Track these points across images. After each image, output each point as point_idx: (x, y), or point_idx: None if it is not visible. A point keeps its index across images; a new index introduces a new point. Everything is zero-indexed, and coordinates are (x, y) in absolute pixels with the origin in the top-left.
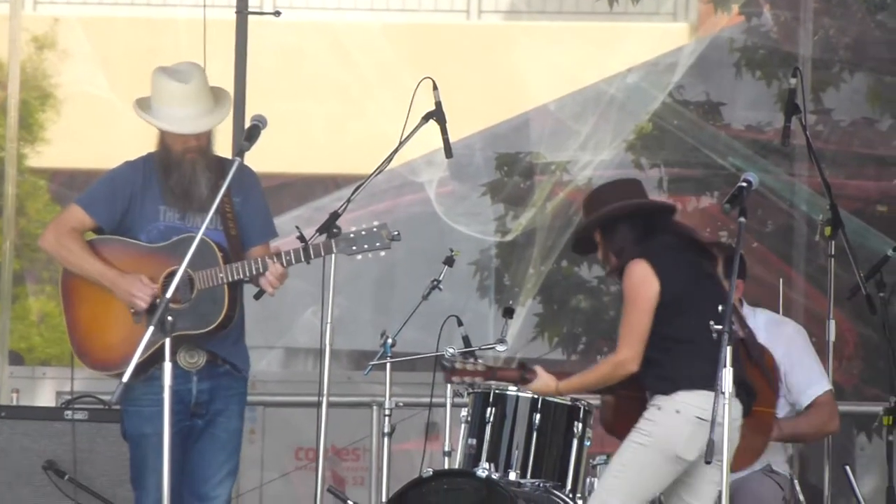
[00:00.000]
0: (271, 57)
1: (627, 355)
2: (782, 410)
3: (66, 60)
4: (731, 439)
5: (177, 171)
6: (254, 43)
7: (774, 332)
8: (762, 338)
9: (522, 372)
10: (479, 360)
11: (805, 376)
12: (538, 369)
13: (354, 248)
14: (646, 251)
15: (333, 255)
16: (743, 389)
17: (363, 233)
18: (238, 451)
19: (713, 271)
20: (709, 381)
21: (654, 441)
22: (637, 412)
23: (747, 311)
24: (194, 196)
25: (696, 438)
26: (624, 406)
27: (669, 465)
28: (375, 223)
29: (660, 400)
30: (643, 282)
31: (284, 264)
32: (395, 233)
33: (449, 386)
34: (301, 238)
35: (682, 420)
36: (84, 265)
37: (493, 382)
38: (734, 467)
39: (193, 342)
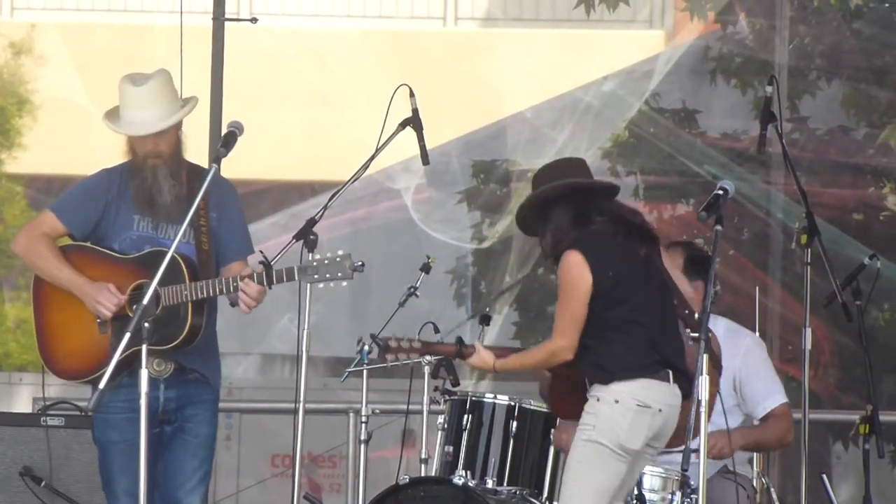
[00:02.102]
0: (248, 63)
1: (562, 344)
2: (736, 420)
3: (43, 66)
4: (669, 425)
5: (139, 176)
6: (231, 49)
7: (732, 342)
8: (721, 344)
9: (460, 347)
10: (416, 338)
11: (761, 388)
12: (477, 344)
13: (317, 276)
14: (580, 241)
15: (306, 282)
16: (682, 375)
17: (326, 262)
18: (210, 458)
19: (653, 256)
20: (645, 369)
21: (598, 434)
22: (573, 389)
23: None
24: (157, 203)
25: (639, 426)
26: (560, 384)
27: (618, 457)
28: (340, 252)
29: (598, 390)
30: (576, 273)
31: (255, 283)
32: (359, 263)
33: (426, 393)
34: (264, 263)
35: (622, 409)
36: (53, 271)
37: (472, 390)
38: (669, 445)
39: (162, 352)
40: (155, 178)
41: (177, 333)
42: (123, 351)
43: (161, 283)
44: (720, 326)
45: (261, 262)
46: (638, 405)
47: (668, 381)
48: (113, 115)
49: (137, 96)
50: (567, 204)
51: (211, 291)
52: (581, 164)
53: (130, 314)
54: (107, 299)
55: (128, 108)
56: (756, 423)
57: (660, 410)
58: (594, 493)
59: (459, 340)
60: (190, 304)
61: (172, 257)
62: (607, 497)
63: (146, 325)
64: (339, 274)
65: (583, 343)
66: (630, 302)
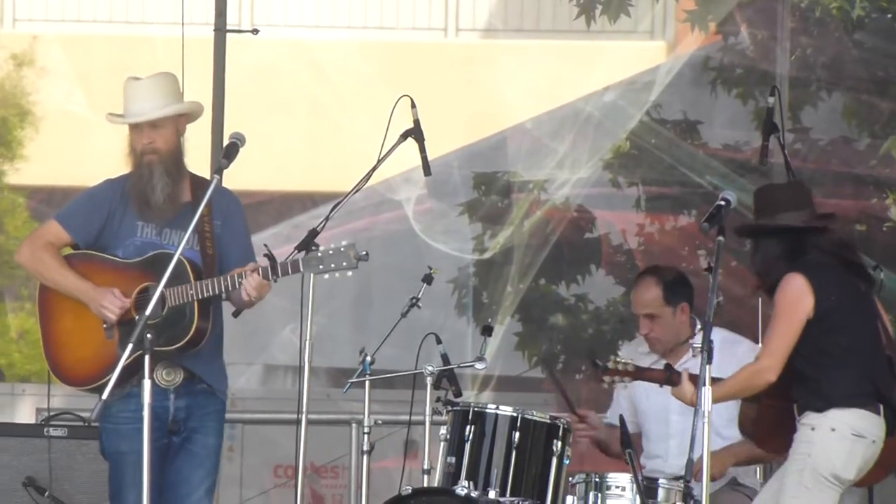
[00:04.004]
0: (249, 75)
1: (768, 364)
2: (735, 430)
3: (45, 77)
4: (871, 457)
5: (136, 173)
6: (232, 61)
7: (727, 351)
8: (715, 356)
9: (668, 374)
10: (630, 361)
11: None
12: (684, 377)
13: (321, 266)
14: (804, 266)
15: (311, 273)
16: (890, 410)
17: (331, 252)
18: (216, 469)
19: (870, 294)
20: (862, 399)
21: (813, 462)
22: (779, 421)
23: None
24: (151, 201)
25: (854, 456)
26: (766, 415)
27: (831, 486)
28: (344, 242)
29: (812, 419)
30: (797, 295)
31: (260, 276)
32: (364, 253)
33: (428, 404)
34: (269, 256)
35: (838, 437)
36: (58, 278)
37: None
38: (864, 481)
39: (170, 360)
40: (150, 175)
41: (183, 335)
42: (128, 357)
43: (167, 285)
44: (716, 337)
45: (265, 255)
46: (853, 434)
47: (879, 413)
48: (117, 116)
49: (138, 89)
50: (777, 240)
51: (216, 289)
52: (800, 193)
53: (137, 317)
54: (112, 303)
55: (128, 102)
56: None
57: (873, 441)
58: None
59: (668, 367)
60: (196, 307)
61: (179, 260)
62: None
63: (149, 336)
64: (345, 263)
65: (799, 370)
66: (848, 331)
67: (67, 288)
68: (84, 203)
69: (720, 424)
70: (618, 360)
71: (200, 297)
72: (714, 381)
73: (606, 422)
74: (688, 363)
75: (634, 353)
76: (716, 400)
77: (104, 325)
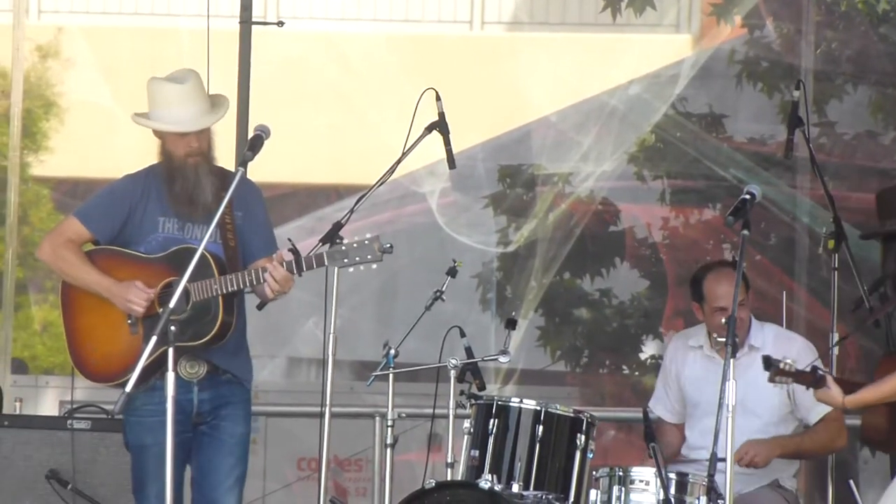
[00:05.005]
0: (274, 67)
1: None
2: (790, 426)
3: (70, 69)
4: None
5: (181, 176)
6: (257, 53)
7: (784, 347)
8: (770, 352)
9: (813, 378)
10: (791, 363)
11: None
12: (829, 380)
13: (346, 260)
14: None
15: (336, 266)
16: None
17: (355, 245)
18: (246, 458)
19: None
20: None
21: None
22: None
23: (755, 325)
24: (199, 202)
25: None
26: None
27: None
28: (368, 235)
29: None
30: None
31: (285, 270)
32: (388, 245)
33: (452, 397)
34: (293, 251)
35: None
36: (80, 275)
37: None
38: None
39: (193, 353)
40: (197, 177)
41: (207, 330)
42: (152, 352)
43: (190, 280)
44: (769, 333)
45: (290, 250)
46: None
47: None
48: (143, 117)
49: (180, 93)
50: None
51: (240, 284)
52: None
53: (160, 312)
54: (137, 296)
55: (169, 106)
56: (810, 428)
57: None
58: None
59: (814, 370)
60: (221, 302)
61: (202, 254)
62: None
63: (172, 328)
64: (369, 256)
65: None
66: None
67: (90, 285)
68: (104, 199)
69: (773, 422)
70: (785, 360)
71: (224, 291)
72: (853, 384)
73: (653, 416)
74: (741, 360)
75: (684, 345)
76: (872, 402)
77: (128, 321)
